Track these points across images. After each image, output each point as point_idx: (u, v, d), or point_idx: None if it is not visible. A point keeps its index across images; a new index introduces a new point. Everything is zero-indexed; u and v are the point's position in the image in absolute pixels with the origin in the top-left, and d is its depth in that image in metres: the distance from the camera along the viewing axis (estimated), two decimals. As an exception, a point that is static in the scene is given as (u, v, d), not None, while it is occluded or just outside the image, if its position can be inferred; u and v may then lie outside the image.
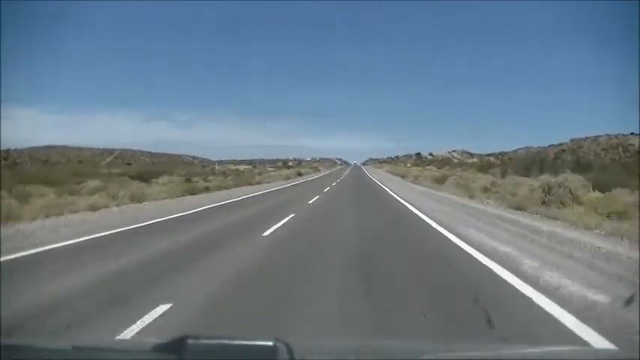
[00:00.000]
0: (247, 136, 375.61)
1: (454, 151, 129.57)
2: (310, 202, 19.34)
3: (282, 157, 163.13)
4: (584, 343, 3.57)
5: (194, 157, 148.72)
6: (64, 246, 8.38)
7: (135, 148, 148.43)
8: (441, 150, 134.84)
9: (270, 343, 1.37)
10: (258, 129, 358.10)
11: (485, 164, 50.46)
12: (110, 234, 9.99)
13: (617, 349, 3.45)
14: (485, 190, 21.29)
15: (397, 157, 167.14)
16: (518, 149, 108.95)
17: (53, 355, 1.63)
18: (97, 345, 1.85)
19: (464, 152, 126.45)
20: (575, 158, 59.44)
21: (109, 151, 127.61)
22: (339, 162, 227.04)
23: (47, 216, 12.66)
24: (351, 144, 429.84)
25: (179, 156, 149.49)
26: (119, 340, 3.55)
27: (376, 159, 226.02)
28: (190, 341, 1.40)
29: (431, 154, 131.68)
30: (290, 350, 1.36)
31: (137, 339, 3.63)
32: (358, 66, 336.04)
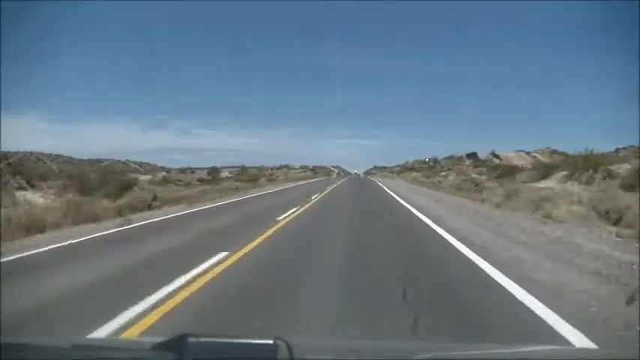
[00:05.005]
0: (244, 142, 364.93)
1: (531, 151, 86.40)
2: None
3: (280, 163, 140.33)
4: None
5: (141, 164, 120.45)
6: None
7: (85, 156, 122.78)
8: (507, 149, 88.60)
9: (270, 341, 1.38)
10: (256, 135, 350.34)
11: None
12: None
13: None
14: None
15: (435, 159, 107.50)
16: (618, 149, 69.32)
17: (53, 354, 1.62)
18: (97, 343, 1.86)
19: (553, 152, 78.56)
20: None
21: (8, 155, 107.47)
22: (335, 170, 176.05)
23: None
24: (357, 148, 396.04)
25: (125, 162, 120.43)
26: (119, 338, 3.60)
27: (383, 166, 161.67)
28: (191, 339, 1.39)
29: (495, 155, 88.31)
30: (290, 348, 1.37)
31: (137, 338, 3.65)
32: (360, 63, 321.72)
